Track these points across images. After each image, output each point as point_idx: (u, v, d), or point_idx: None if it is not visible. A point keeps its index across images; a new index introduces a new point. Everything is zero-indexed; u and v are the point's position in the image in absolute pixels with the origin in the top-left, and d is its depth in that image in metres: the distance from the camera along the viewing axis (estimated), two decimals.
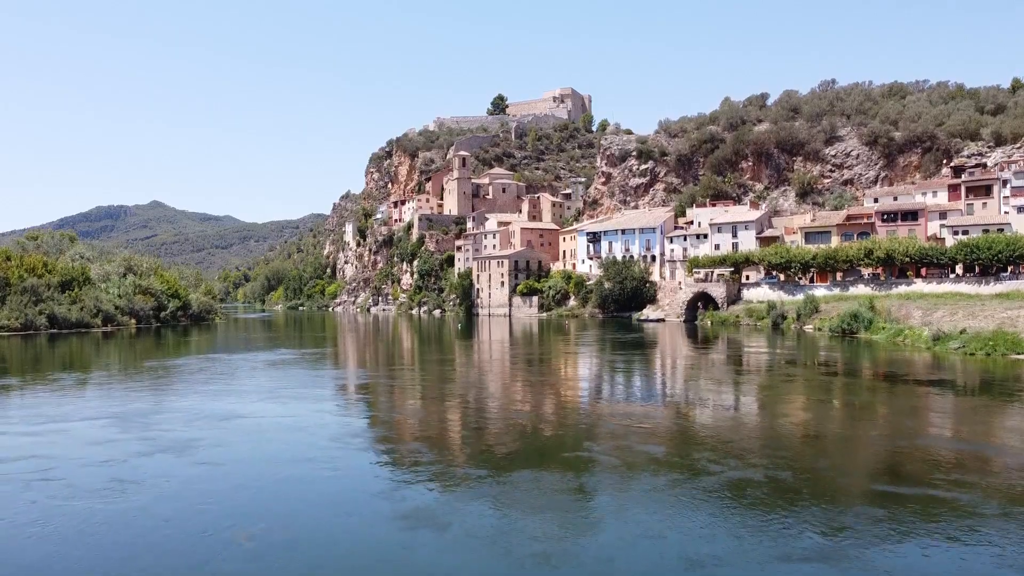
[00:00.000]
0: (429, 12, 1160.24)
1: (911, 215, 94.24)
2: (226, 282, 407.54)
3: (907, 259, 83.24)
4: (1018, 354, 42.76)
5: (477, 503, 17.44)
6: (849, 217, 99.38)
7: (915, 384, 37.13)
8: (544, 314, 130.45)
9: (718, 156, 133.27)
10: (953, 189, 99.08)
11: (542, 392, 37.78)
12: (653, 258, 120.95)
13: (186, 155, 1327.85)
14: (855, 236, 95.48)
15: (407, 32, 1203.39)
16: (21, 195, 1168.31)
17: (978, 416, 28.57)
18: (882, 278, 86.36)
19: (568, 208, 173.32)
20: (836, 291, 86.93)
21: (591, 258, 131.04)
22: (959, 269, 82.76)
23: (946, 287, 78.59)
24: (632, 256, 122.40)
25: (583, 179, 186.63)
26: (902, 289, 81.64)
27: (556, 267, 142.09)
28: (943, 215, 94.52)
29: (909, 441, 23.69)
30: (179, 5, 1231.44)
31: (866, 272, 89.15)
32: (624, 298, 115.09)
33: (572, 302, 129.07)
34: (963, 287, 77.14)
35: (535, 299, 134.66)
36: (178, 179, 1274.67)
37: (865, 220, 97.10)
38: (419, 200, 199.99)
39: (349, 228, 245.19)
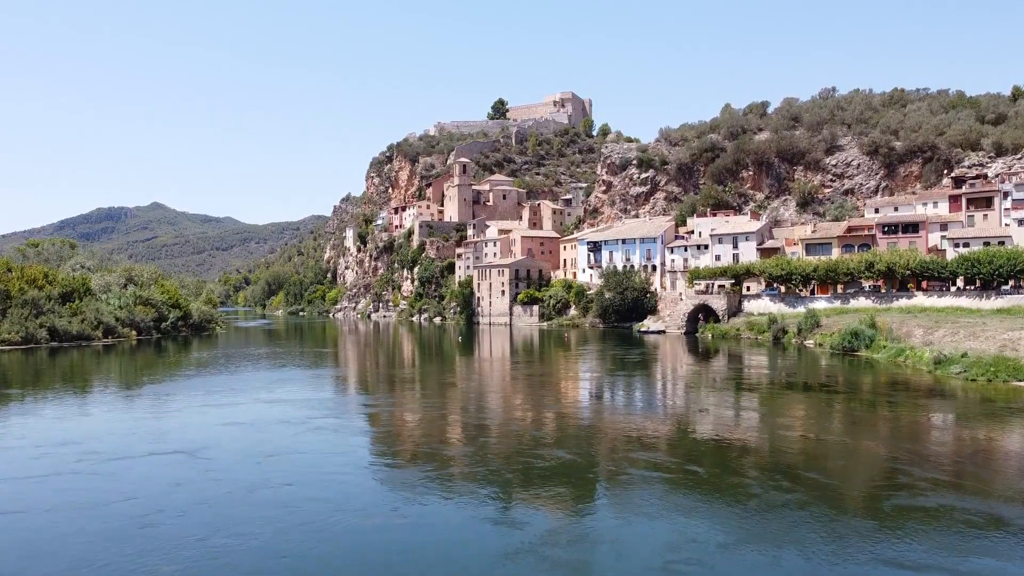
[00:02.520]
0: (429, 14, 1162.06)
1: (912, 227, 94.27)
2: (226, 285, 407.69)
3: (908, 272, 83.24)
4: (1019, 381, 42.73)
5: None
6: (850, 229, 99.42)
7: (919, 413, 37.13)
8: (545, 323, 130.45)
9: (719, 165, 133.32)
10: (954, 200, 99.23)
11: (552, 422, 37.73)
12: (654, 268, 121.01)
13: (186, 156, 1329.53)
14: (856, 248, 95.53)
15: (408, 34, 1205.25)
16: (21, 197, 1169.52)
17: (984, 463, 28.57)
18: (883, 291, 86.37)
19: (568, 215, 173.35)
20: (837, 304, 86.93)
21: (592, 267, 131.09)
22: (960, 282, 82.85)
23: (947, 301, 78.64)
24: (633, 266, 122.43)
25: (583, 184, 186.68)
26: (903, 302, 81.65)
27: (557, 276, 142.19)
28: (944, 227, 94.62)
29: (922, 497, 23.60)
30: (179, 6, 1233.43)
31: (867, 284, 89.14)
32: (625, 308, 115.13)
33: (573, 311, 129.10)
34: (964, 301, 77.19)
35: (536, 308, 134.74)
36: (178, 180, 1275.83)
37: (866, 232, 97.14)
38: (420, 206, 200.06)
39: (350, 233, 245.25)
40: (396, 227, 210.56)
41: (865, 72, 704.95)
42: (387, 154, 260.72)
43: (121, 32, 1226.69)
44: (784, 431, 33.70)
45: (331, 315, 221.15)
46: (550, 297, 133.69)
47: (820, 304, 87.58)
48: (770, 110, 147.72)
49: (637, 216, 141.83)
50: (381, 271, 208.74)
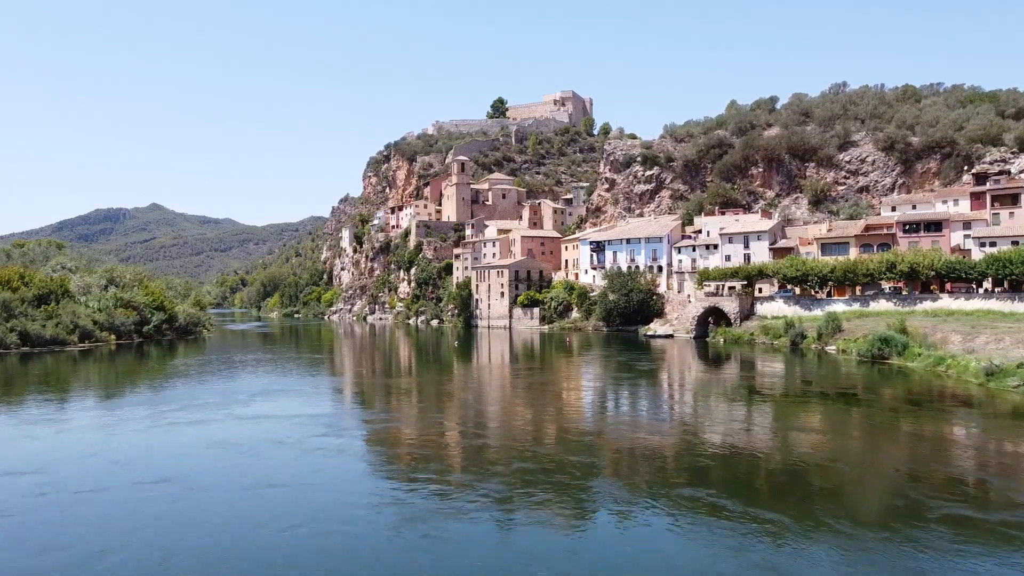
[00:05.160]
0: (429, 15, 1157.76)
1: (934, 225, 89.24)
2: (223, 286, 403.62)
3: (932, 273, 78.29)
4: None
5: None
6: (868, 227, 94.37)
7: (996, 438, 32.11)
8: (546, 327, 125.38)
9: (727, 162, 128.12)
10: (976, 198, 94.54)
11: (558, 440, 32.98)
12: (660, 269, 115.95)
13: (185, 158, 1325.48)
14: (875, 248, 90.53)
15: (407, 35, 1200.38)
16: (20, 198, 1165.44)
17: None
18: (904, 292, 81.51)
19: (570, 215, 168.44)
20: (856, 306, 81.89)
21: (595, 268, 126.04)
22: (987, 284, 78.02)
23: (975, 304, 73.70)
24: (638, 267, 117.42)
25: (585, 184, 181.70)
26: (927, 305, 76.69)
27: (558, 277, 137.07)
28: (967, 225, 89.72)
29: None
30: (179, 8, 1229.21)
31: (887, 286, 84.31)
32: (630, 311, 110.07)
33: (575, 314, 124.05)
34: (994, 304, 72.19)
35: (536, 311, 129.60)
36: (177, 182, 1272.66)
37: (885, 230, 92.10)
38: (417, 206, 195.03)
39: (346, 234, 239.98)
40: (393, 227, 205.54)
41: (870, 70, 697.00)
42: (384, 153, 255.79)
43: (121, 34, 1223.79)
44: (831, 454, 28.59)
45: (327, 317, 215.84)
46: (551, 299, 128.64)
47: (838, 307, 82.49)
48: (779, 105, 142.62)
49: (641, 215, 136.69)
50: (378, 272, 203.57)
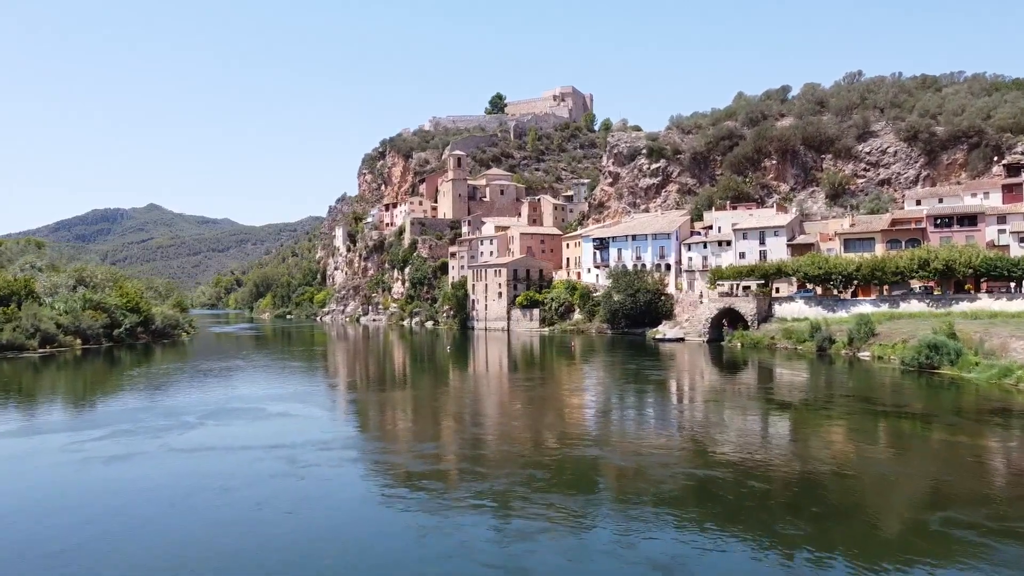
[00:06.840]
0: (428, 14, 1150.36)
1: (969, 219, 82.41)
2: (219, 287, 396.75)
3: (969, 271, 71.40)
4: None
5: None
6: (895, 222, 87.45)
7: None
8: (546, 329, 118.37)
9: (737, 154, 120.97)
10: (1008, 190, 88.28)
11: (565, 479, 25.90)
12: (668, 267, 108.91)
13: (184, 158, 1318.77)
14: (903, 244, 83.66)
15: (407, 34, 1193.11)
16: (19, 198, 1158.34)
17: None
18: (937, 292, 74.70)
19: (571, 211, 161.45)
20: (884, 307, 74.98)
21: (598, 267, 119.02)
22: None
23: (1021, 305, 66.84)
24: (644, 265, 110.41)
25: (586, 181, 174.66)
26: (964, 306, 69.90)
27: (559, 276, 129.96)
28: (1001, 219, 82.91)
29: None
30: (176, 8, 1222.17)
31: (917, 285, 77.50)
32: (636, 312, 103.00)
33: (577, 315, 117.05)
34: None
35: (536, 312, 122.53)
36: (176, 182, 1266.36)
37: (914, 225, 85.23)
38: (412, 203, 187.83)
39: (340, 232, 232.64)
40: (387, 225, 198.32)
41: (878, 65, 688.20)
42: (380, 150, 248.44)
43: (119, 35, 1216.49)
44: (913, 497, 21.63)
45: (319, 318, 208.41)
46: (552, 299, 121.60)
47: (865, 308, 75.57)
48: (790, 96, 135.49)
49: (647, 210, 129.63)
50: (371, 272, 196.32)
